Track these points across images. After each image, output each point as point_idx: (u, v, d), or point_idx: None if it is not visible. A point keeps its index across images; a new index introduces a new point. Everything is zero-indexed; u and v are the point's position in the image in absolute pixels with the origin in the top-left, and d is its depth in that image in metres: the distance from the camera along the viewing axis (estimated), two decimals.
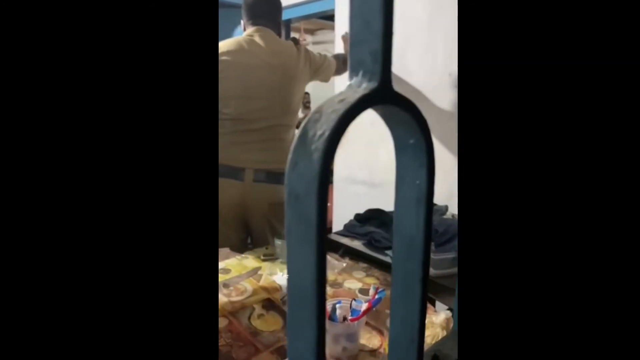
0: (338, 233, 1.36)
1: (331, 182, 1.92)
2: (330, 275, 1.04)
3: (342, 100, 0.14)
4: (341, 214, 1.77)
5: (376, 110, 0.17)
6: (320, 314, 0.14)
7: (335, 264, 1.07)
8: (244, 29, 1.34)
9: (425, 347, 0.35)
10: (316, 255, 0.13)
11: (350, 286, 1.00)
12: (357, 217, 1.35)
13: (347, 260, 1.12)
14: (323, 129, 0.13)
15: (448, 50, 1.32)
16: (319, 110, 0.14)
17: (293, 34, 2.20)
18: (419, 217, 0.18)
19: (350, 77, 0.16)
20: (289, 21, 2.12)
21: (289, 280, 0.15)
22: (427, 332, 0.74)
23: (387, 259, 1.14)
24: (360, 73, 0.15)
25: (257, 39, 1.27)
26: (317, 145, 0.13)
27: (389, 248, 1.18)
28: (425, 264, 0.19)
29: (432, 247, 1.10)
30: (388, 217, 1.30)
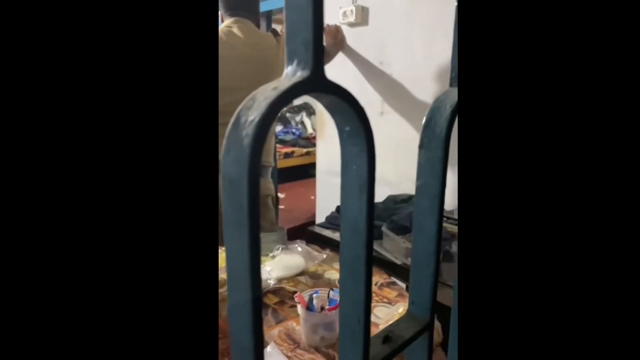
0: (320, 225, 1.37)
1: (313, 175, 1.93)
2: (311, 267, 1.05)
3: (275, 88, 0.15)
4: (323, 206, 1.78)
5: (316, 98, 0.17)
6: (256, 296, 0.14)
7: (315, 255, 1.08)
8: (222, 20, 1.33)
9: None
10: (249, 238, 0.14)
11: (330, 277, 1.01)
12: (338, 209, 1.36)
13: (327, 251, 1.13)
14: (254, 115, 0.14)
15: (427, 41, 1.33)
16: (252, 97, 0.15)
17: (274, 26, 2.18)
18: (362, 203, 0.19)
19: (287, 67, 0.16)
20: (270, 12, 2.10)
21: (227, 263, 0.15)
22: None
23: None
24: (295, 62, 0.16)
25: (235, 30, 1.26)
26: (248, 131, 0.14)
27: None
28: (369, 247, 0.19)
29: (407, 236, 1.12)
30: None
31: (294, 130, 3.04)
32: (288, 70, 0.16)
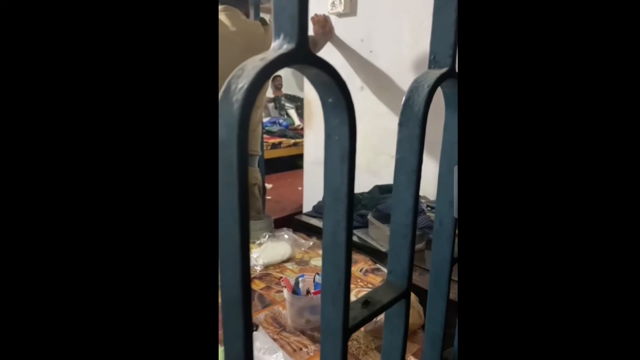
0: (307, 214, 1.39)
1: (301, 165, 1.94)
2: (298, 254, 1.07)
3: (262, 59, 0.16)
4: (311, 195, 1.80)
5: (300, 71, 0.18)
6: (244, 249, 0.16)
7: (302, 243, 1.10)
8: None
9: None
10: (238, 195, 0.15)
11: (317, 263, 1.03)
12: None
13: (314, 239, 1.15)
14: (243, 82, 0.15)
15: (414, 35, 1.35)
16: (242, 68, 0.16)
17: (262, 15, 2.16)
18: (343, 172, 0.20)
19: (274, 40, 0.17)
20: (258, 1, 2.08)
21: (219, 222, 0.17)
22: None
23: (354, 239, 1.18)
24: (281, 36, 0.17)
25: (223, 18, 1.25)
26: (238, 97, 0.15)
27: (357, 228, 1.22)
28: (349, 214, 0.21)
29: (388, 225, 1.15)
30: (356, 199, 1.34)
31: (280, 121, 3.04)
32: (275, 43, 0.17)
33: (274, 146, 2.61)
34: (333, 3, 1.51)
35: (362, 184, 1.38)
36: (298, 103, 3.21)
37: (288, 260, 1.03)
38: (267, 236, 1.09)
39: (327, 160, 0.21)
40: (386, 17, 1.41)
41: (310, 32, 1.55)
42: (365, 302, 0.26)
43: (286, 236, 1.10)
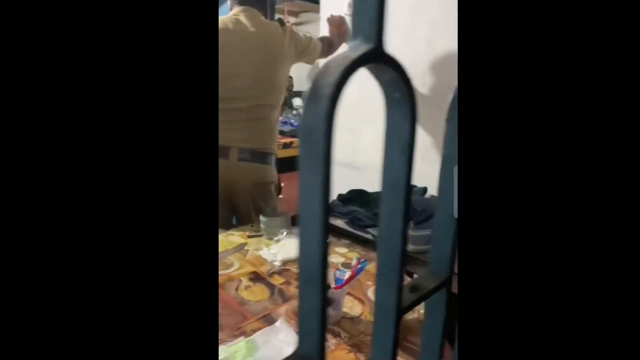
0: None
1: None
2: None
3: (345, 57, 0.18)
4: None
5: (370, 69, 0.20)
6: (325, 225, 0.17)
7: None
8: (231, 9, 1.34)
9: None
10: (322, 179, 0.17)
11: (333, 260, 1.05)
12: (340, 197, 1.39)
13: (330, 236, 1.17)
14: (331, 78, 0.17)
15: (429, 36, 1.36)
16: (327, 65, 0.18)
17: (277, 16, 2.19)
18: (402, 164, 0.22)
19: (353, 40, 0.19)
20: (273, 2, 2.11)
21: (300, 203, 0.19)
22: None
23: (369, 236, 1.19)
24: (360, 37, 0.19)
25: (242, 18, 1.27)
26: (326, 91, 0.17)
27: (371, 226, 1.23)
28: (407, 203, 0.23)
29: (411, 225, 1.16)
30: (370, 198, 1.35)
31: (292, 121, 3.06)
32: (354, 43, 0.19)
33: (286, 146, 2.63)
34: (350, 4, 1.53)
35: (378, 184, 1.39)
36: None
37: None
38: (284, 233, 1.11)
39: (387, 152, 0.22)
40: (401, 17, 1.42)
41: (327, 32, 1.57)
42: (413, 287, 0.27)
43: None
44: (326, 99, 0.16)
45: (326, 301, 0.19)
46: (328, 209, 0.18)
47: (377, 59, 0.18)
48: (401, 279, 0.24)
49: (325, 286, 0.19)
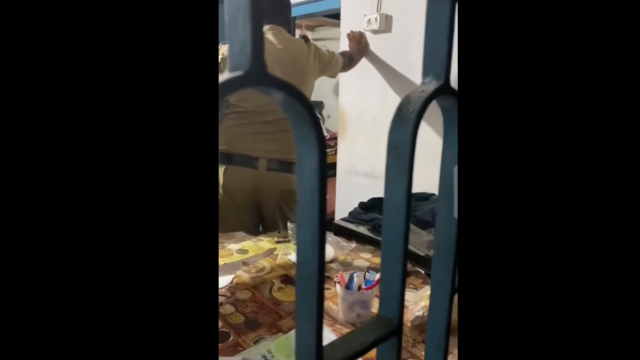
0: (344, 219, 1.46)
1: (334, 174, 2.02)
2: (340, 255, 1.14)
3: (422, 91, 0.24)
4: (344, 202, 1.87)
5: (438, 99, 0.26)
6: (407, 215, 0.23)
7: (344, 245, 1.17)
8: None
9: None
10: (406, 182, 0.23)
11: (359, 264, 1.10)
12: (362, 205, 1.44)
13: (354, 243, 1.22)
14: (413, 107, 0.23)
15: None
16: (408, 97, 0.24)
17: (297, 31, 2.28)
18: (457, 171, 0.28)
19: (425, 77, 0.25)
20: (293, 18, 2.20)
21: (385, 202, 0.24)
22: (422, 303, 0.84)
23: None
24: (431, 75, 0.25)
25: (270, 36, 1.35)
26: (410, 117, 0.23)
27: None
28: (454, 205, 0.28)
29: (429, 231, 1.21)
30: None
31: None
32: (427, 79, 0.25)
33: None
34: (369, 21, 1.60)
35: None
36: (320, 108, 3.33)
37: (332, 261, 1.10)
38: None
39: (445, 165, 0.28)
40: (420, 33, 1.49)
41: (347, 47, 1.64)
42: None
43: (329, 239, 1.17)
44: (410, 123, 0.23)
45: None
46: (410, 207, 0.24)
47: (445, 92, 0.24)
48: (456, 263, 0.29)
49: (405, 267, 0.25)
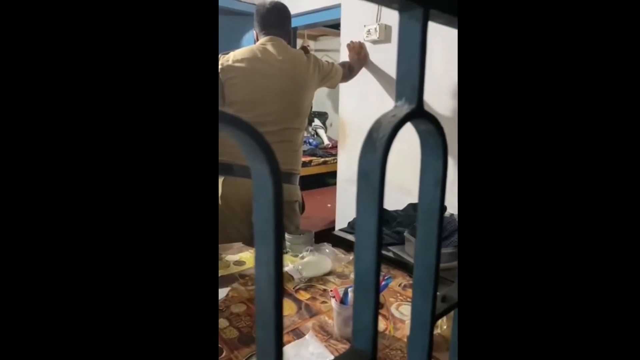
0: (342, 230, 1.45)
1: (334, 183, 2.01)
2: (338, 267, 1.12)
3: (394, 115, 0.23)
4: (344, 212, 1.86)
5: (414, 123, 0.25)
6: (379, 243, 0.22)
7: (342, 257, 1.15)
8: (257, 39, 1.43)
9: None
10: (377, 210, 0.22)
11: None
12: None
13: (352, 254, 1.21)
14: (383, 133, 0.22)
15: (446, 57, 1.41)
16: (379, 122, 0.23)
17: (299, 41, 2.29)
18: (436, 194, 0.27)
19: (397, 101, 0.25)
20: (295, 29, 2.22)
21: (356, 229, 0.24)
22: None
23: (390, 254, 1.23)
24: (404, 99, 0.24)
25: (269, 47, 1.36)
26: (380, 143, 0.22)
27: (392, 244, 1.26)
28: (440, 226, 0.27)
29: None
30: (389, 216, 1.39)
31: (310, 141, 3.14)
32: (399, 103, 0.24)
33: (305, 164, 2.69)
34: (368, 31, 1.60)
35: (396, 203, 1.43)
36: (324, 118, 3.34)
37: (330, 273, 1.09)
38: (308, 250, 1.15)
39: (422, 185, 0.27)
40: None
41: (347, 57, 1.65)
42: (444, 297, 0.32)
43: (327, 250, 1.16)
44: (380, 149, 0.22)
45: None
46: (382, 232, 0.23)
47: (418, 116, 0.24)
48: (436, 288, 0.29)
49: (378, 298, 0.24)
